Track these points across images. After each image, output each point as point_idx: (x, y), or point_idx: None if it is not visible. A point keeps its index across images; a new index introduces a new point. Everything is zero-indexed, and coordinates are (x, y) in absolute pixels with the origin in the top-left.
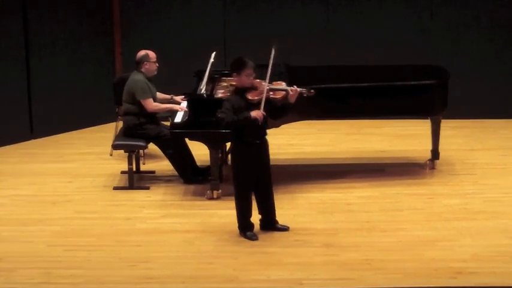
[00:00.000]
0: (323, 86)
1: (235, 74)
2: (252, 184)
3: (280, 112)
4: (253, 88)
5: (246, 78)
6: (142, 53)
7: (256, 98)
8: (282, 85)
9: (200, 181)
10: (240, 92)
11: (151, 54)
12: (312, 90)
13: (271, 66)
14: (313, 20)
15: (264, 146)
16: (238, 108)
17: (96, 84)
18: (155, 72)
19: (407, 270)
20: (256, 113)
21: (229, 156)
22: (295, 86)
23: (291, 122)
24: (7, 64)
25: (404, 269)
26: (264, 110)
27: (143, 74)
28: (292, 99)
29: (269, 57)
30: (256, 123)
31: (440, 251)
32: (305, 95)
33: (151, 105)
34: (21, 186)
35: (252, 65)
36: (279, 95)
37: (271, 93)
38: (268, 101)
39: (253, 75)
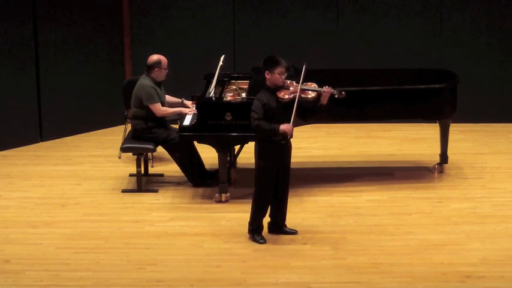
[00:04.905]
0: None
1: (267, 71)
2: (272, 183)
3: (311, 113)
4: (284, 87)
5: (279, 76)
6: (154, 58)
7: (286, 97)
8: (313, 86)
9: (208, 184)
10: (270, 90)
11: (164, 61)
12: (343, 92)
13: (304, 73)
14: (322, 24)
15: (287, 146)
16: (269, 107)
17: (106, 86)
18: (164, 78)
19: (415, 274)
20: (286, 127)
21: (238, 157)
22: (327, 87)
23: (300, 125)
24: (17, 67)
25: (412, 273)
26: (296, 112)
27: (151, 78)
28: (325, 101)
29: (302, 70)
30: (284, 136)
31: (449, 255)
32: (336, 97)
33: (159, 109)
34: (30, 188)
35: (285, 64)
36: (310, 96)
37: (302, 94)
38: (300, 102)
39: (285, 74)
